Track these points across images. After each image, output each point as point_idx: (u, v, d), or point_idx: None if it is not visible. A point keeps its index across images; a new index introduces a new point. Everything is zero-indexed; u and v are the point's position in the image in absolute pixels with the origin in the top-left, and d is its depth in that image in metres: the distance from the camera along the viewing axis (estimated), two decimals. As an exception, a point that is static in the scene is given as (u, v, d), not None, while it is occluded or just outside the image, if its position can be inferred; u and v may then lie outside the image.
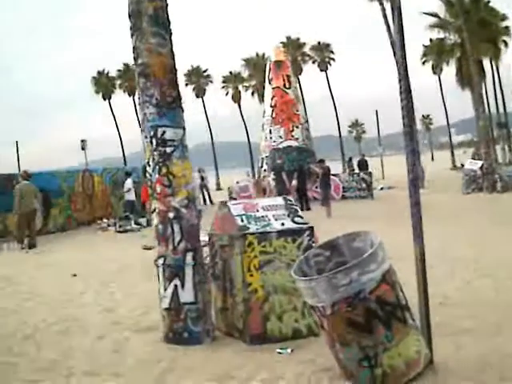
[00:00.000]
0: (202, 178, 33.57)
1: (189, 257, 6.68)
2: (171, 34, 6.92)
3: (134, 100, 76.72)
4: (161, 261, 6.76)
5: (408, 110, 5.61)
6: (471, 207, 22.17)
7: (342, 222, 18.77)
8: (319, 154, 32.06)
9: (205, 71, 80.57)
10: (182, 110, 6.93)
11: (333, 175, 28.90)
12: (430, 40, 59.68)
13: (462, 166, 40.52)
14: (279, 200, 7.28)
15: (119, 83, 77.59)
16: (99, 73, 77.10)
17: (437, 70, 63.48)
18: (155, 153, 6.73)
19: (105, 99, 76.80)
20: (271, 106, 30.29)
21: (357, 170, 36.88)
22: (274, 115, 30.06)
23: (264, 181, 28.01)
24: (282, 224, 6.86)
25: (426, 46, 61.11)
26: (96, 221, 23.95)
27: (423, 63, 63.80)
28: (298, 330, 6.71)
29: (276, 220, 6.90)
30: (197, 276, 6.72)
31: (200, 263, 6.81)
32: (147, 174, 6.92)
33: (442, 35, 50.90)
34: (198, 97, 79.46)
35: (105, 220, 23.25)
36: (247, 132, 74.82)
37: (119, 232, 20.93)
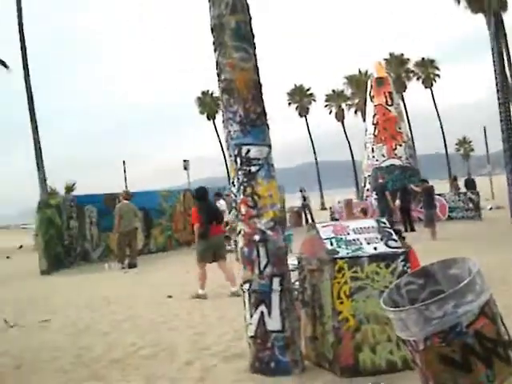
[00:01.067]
0: (304, 198, 33.31)
1: (275, 282, 6.34)
2: (255, 48, 6.65)
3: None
4: (246, 286, 6.45)
5: (507, 124, 5.08)
6: None
7: (447, 244, 18.09)
8: (425, 173, 31.17)
9: (308, 90, 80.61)
10: (268, 128, 6.63)
11: (438, 195, 28.00)
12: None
13: None
14: (372, 222, 6.84)
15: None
16: (203, 93, 78.39)
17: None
18: (239, 172, 6.46)
19: (209, 119, 77.96)
20: (373, 124, 29.73)
21: (463, 190, 35.54)
22: (376, 133, 29.48)
23: (356, 202, 27.38)
24: (375, 248, 6.43)
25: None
26: (196, 241, 24.01)
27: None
28: (393, 363, 6.22)
29: (368, 244, 6.48)
30: (284, 302, 6.36)
31: (287, 289, 6.45)
32: (232, 195, 6.65)
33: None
34: (301, 116, 79.55)
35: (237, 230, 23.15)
36: (351, 151, 74.12)
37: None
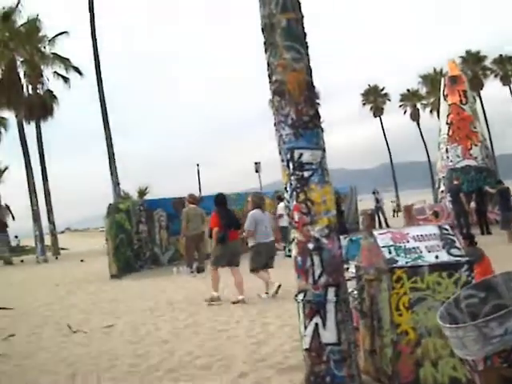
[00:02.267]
0: (377, 201, 32.82)
1: (331, 292, 6.02)
2: (307, 47, 6.36)
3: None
4: (300, 296, 6.16)
5: None
6: None
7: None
8: (505, 174, 30.16)
9: (382, 89, 79.64)
10: (322, 130, 6.34)
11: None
12: None
13: None
14: (433, 229, 6.45)
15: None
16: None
17: None
18: (292, 177, 6.17)
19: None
20: (447, 124, 28.84)
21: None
22: (450, 133, 28.57)
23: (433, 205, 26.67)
24: (436, 257, 6.05)
25: None
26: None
27: None
28: (457, 380, 5.83)
29: (429, 252, 6.11)
30: (340, 314, 6.03)
31: (343, 299, 6.12)
32: (285, 201, 6.39)
33: None
34: (375, 116, 78.71)
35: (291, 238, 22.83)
36: (427, 151, 72.75)
37: (288, 256, 20.56)
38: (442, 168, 28.85)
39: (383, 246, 6.11)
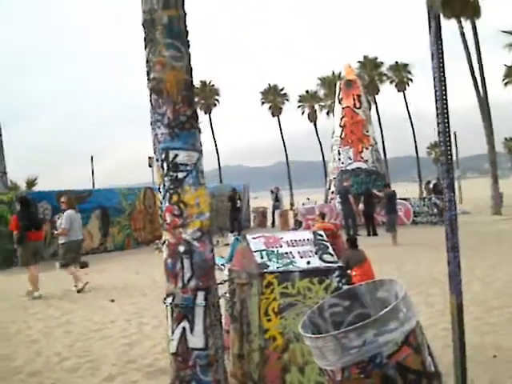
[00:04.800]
0: (277, 199, 32.97)
1: (200, 296, 5.89)
2: (189, 46, 6.19)
3: (210, 117, 77.38)
4: (169, 299, 6.00)
5: (445, 137, 4.73)
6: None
7: (405, 249, 17.93)
8: (397, 176, 31.10)
9: (281, 90, 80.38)
10: (199, 131, 6.19)
11: (403, 199, 27.85)
12: (514, 60, 57.36)
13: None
14: (307, 234, 6.44)
15: (196, 100, 78.13)
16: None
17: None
18: (166, 178, 5.99)
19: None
20: (340, 126, 29.42)
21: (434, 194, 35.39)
22: (343, 136, 29.17)
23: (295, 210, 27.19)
24: (308, 262, 6.04)
25: (508, 67, 58.67)
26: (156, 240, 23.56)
27: (505, 84, 61.37)
28: (322, 385, 5.85)
29: (301, 257, 6.08)
30: (208, 318, 5.91)
31: (213, 304, 6.00)
32: (158, 202, 6.22)
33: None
34: (273, 115, 79.35)
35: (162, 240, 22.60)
36: (322, 152, 73.99)
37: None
38: (334, 169, 29.40)
39: (255, 251, 6.04)
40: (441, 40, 4.81)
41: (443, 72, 4.86)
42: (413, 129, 73.61)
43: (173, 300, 5.96)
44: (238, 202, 28.43)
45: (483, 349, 7.18)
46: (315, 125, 78.38)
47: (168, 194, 5.99)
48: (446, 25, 38.10)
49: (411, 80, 74.65)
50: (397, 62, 74.69)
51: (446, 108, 4.90)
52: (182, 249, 5.92)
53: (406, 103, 73.49)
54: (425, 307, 9.60)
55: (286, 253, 6.09)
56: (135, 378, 6.67)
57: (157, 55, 6.04)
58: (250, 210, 32.95)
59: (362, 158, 28.69)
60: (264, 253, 6.02)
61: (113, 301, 11.66)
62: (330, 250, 6.25)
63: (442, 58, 4.82)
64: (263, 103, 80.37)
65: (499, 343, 7.40)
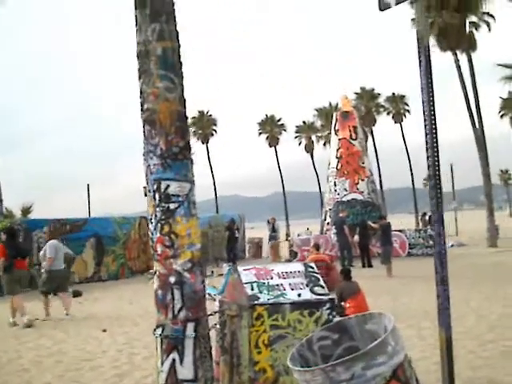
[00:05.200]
0: (274, 230, 32.92)
1: (190, 328, 5.87)
2: (183, 77, 6.24)
3: (207, 148, 77.59)
4: (159, 331, 5.98)
5: (434, 170, 4.75)
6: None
7: (400, 281, 17.88)
8: (394, 207, 31.23)
9: (279, 120, 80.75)
10: (192, 163, 6.22)
11: (398, 231, 27.84)
12: (509, 93, 57.75)
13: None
14: (298, 266, 6.45)
15: (193, 130, 78.51)
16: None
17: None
18: (157, 209, 6.00)
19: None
20: (337, 158, 29.61)
21: (430, 226, 35.38)
22: (339, 167, 29.34)
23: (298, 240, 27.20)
24: (299, 295, 6.03)
25: (504, 99, 59.09)
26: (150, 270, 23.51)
27: (501, 117, 61.79)
28: (312, 418, 5.80)
29: (292, 290, 6.08)
30: (198, 350, 5.89)
31: (203, 335, 5.98)
32: (149, 233, 6.22)
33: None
34: (270, 146, 79.61)
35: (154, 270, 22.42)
36: (319, 183, 74.13)
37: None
38: (330, 200, 29.49)
39: (246, 282, 6.03)
40: (431, 74, 4.86)
41: (433, 105, 4.91)
42: (409, 160, 73.74)
43: (163, 331, 5.94)
44: (236, 232, 28.44)
45: (476, 383, 7.14)
46: (312, 155, 78.67)
47: (159, 225, 6.00)
48: (442, 57, 38.45)
49: (408, 111, 74.92)
50: (393, 94, 75.11)
51: (436, 142, 4.94)
52: (172, 280, 5.92)
53: (403, 134, 73.73)
54: (417, 340, 9.57)
55: (277, 285, 6.08)
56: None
57: (150, 86, 6.09)
58: (246, 240, 32.88)
59: (357, 189, 28.82)
60: (255, 285, 6.01)
61: (105, 330, 11.60)
62: (321, 282, 6.25)
63: (432, 91, 4.86)
64: (260, 134, 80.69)
65: (492, 377, 7.36)
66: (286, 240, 51.26)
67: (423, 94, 4.88)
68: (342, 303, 12.23)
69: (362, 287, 14.56)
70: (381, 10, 5.11)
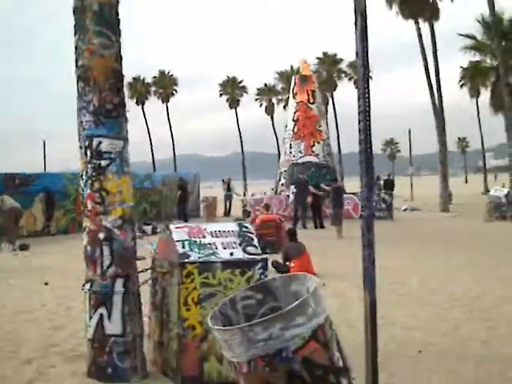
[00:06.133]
0: (229, 189, 32.89)
1: (118, 284, 5.89)
2: (119, 34, 6.14)
3: (167, 107, 77.01)
4: (87, 286, 5.98)
5: (366, 134, 4.75)
6: (487, 235, 20.94)
7: (348, 243, 18.06)
8: (351, 171, 31.42)
9: (240, 82, 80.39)
10: (126, 120, 6.15)
11: (352, 193, 28.07)
12: (470, 62, 58.03)
13: (488, 191, 39.14)
14: (232, 226, 6.44)
15: (154, 90, 77.94)
16: (134, 79, 77.16)
17: (473, 93, 61.45)
18: (89, 166, 5.96)
19: (138, 105, 77.00)
20: (293, 121, 29.63)
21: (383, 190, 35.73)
22: (295, 130, 29.37)
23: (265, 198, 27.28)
24: (231, 254, 6.04)
25: (464, 69, 59.37)
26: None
27: (461, 86, 62.16)
28: (239, 374, 5.85)
29: (224, 248, 6.08)
30: (127, 306, 5.92)
31: (132, 291, 6.01)
32: (80, 189, 6.17)
33: (478, 58, 49.55)
34: (231, 107, 79.41)
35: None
36: (278, 145, 74.28)
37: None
38: (285, 162, 29.55)
39: (177, 240, 6.01)
40: (366, 38, 4.81)
41: (367, 71, 4.88)
42: (369, 125, 74.11)
43: (91, 286, 5.95)
44: (188, 191, 28.32)
45: (410, 344, 7.28)
46: (272, 118, 78.73)
47: (90, 182, 5.99)
48: (404, 25, 38.50)
49: (370, 77, 74.96)
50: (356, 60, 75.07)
51: (369, 106, 4.93)
52: (101, 236, 5.93)
53: (369, 100, 73.87)
54: (358, 302, 9.70)
55: (209, 243, 6.08)
56: (54, 363, 6.60)
57: (86, 42, 6.01)
58: (200, 199, 32.85)
59: (313, 152, 28.90)
60: (186, 243, 6.00)
61: (46, 284, 11.58)
62: (255, 242, 6.26)
63: (367, 56, 4.82)
64: (221, 95, 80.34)
65: (426, 339, 7.50)
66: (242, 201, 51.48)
67: (358, 58, 4.84)
68: (287, 263, 12.36)
69: (311, 248, 14.72)
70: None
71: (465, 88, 61.96)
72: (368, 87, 4.95)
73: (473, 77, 55.33)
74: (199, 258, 5.89)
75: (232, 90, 79.17)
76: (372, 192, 4.95)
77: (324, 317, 4.33)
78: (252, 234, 6.41)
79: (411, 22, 36.99)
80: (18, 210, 18.71)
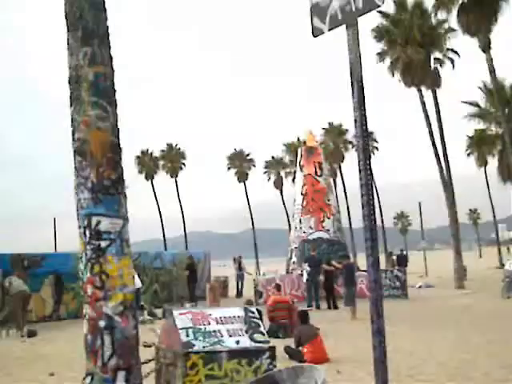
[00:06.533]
0: (240, 268, 32.30)
1: (120, 377, 5.44)
2: (116, 105, 5.87)
3: (176, 181, 76.99)
4: (88, 379, 5.55)
5: (369, 210, 4.41)
6: (506, 315, 20.12)
7: (364, 324, 17.42)
8: (362, 247, 30.90)
9: (248, 155, 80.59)
10: (125, 197, 5.83)
11: (365, 271, 27.45)
12: (475, 131, 57.82)
13: (503, 265, 38.20)
14: (238, 311, 6.05)
15: (162, 164, 77.96)
16: (142, 152, 77.40)
17: (480, 161, 61.07)
18: (88, 247, 5.59)
19: (147, 180, 76.94)
20: (302, 194, 29.17)
21: (396, 266, 35.04)
22: (304, 204, 28.91)
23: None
24: (237, 342, 5.63)
25: (469, 137, 59.19)
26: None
27: (468, 155, 61.93)
28: None
29: (230, 336, 5.69)
30: (129, 401, 5.47)
31: (134, 385, 5.56)
32: (79, 273, 5.80)
33: (483, 126, 49.49)
34: (240, 181, 79.32)
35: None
36: (288, 219, 73.81)
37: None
38: (295, 238, 28.97)
39: (181, 328, 5.63)
40: (364, 105, 4.55)
41: (367, 140, 4.60)
42: (378, 199, 73.67)
43: (92, 380, 5.52)
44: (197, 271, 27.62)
45: None
46: (281, 191, 78.53)
47: (90, 264, 5.61)
48: (408, 94, 38.62)
49: (376, 148, 75.04)
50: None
51: (371, 178, 4.63)
52: (102, 324, 5.52)
53: (371, 172, 73.68)
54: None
55: (214, 331, 5.70)
56: None
57: (81, 114, 5.72)
58: (211, 279, 32.20)
59: (323, 227, 28.32)
60: (190, 330, 5.62)
61: (52, 374, 11.03)
62: (262, 328, 5.86)
63: (366, 125, 4.56)
64: (229, 168, 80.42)
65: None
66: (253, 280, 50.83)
67: (356, 127, 4.57)
68: (300, 348, 11.88)
69: (325, 330, 14.19)
70: (314, 36, 4.83)
71: (472, 157, 61.74)
72: (369, 158, 4.67)
73: (479, 145, 55.19)
74: (204, 347, 5.49)
75: (240, 163, 79.27)
76: (379, 272, 4.57)
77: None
78: (258, 319, 6.02)
79: (414, 90, 37.16)
80: (25, 293, 18.28)
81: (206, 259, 31.75)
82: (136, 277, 22.15)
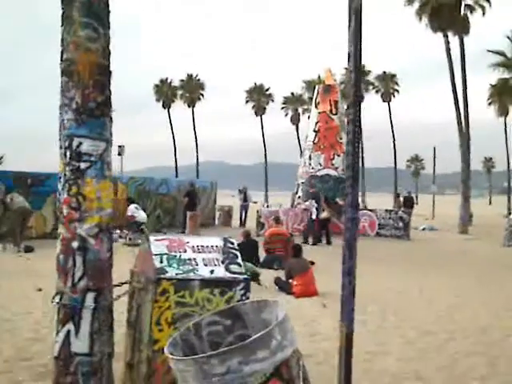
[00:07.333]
0: (245, 199, 32.41)
1: (89, 298, 5.43)
2: (109, 27, 5.71)
3: (193, 111, 76.85)
4: (57, 298, 5.55)
5: (354, 147, 4.31)
6: (504, 262, 20.04)
7: (359, 262, 17.49)
8: (378, 186, 30.83)
9: (267, 90, 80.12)
10: (111, 120, 5.73)
11: (370, 210, 27.61)
12: (498, 80, 56.91)
13: (510, 214, 38.16)
14: (216, 241, 5.99)
15: (180, 93, 77.78)
16: (161, 81, 77.14)
17: (500, 111, 60.38)
18: (67, 168, 5.52)
19: (164, 108, 76.89)
20: (314, 131, 29.00)
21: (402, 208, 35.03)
22: (316, 141, 28.77)
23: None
24: (212, 271, 5.60)
25: (492, 86, 58.28)
26: (116, 229, 22.84)
27: (489, 104, 61.22)
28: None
29: (205, 265, 5.64)
30: (96, 322, 5.47)
31: (103, 307, 5.56)
32: (57, 193, 5.75)
33: (507, 75, 48.55)
34: (257, 115, 79.09)
35: (117, 231, 21.59)
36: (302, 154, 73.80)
37: (127, 245, 19.63)
38: (303, 174, 28.94)
39: (156, 254, 5.60)
40: (360, 40, 4.39)
41: (359, 75, 4.46)
42: (394, 140, 73.37)
43: (61, 299, 5.52)
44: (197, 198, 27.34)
45: (403, 377, 6.83)
46: (297, 128, 78.23)
47: (67, 185, 5.54)
48: (432, 38, 37.94)
49: (397, 91, 74.38)
50: (384, 72, 74.48)
51: (359, 116, 4.50)
52: (75, 245, 5.49)
53: (390, 114, 73.31)
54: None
55: (189, 259, 5.65)
56: (21, 378, 6.22)
57: (72, 34, 5.57)
58: (216, 207, 32.39)
59: (332, 164, 28.26)
60: (165, 257, 5.58)
61: (40, 290, 11.13)
62: (239, 259, 5.82)
63: (360, 59, 4.41)
64: (247, 102, 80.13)
65: (420, 373, 7.04)
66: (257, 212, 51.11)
67: (350, 62, 4.42)
68: (290, 280, 11.95)
69: (320, 265, 14.26)
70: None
71: (493, 106, 61.01)
72: (360, 94, 4.54)
73: (500, 94, 54.40)
74: (176, 274, 5.47)
75: (258, 97, 78.93)
76: (356, 212, 4.49)
77: (291, 351, 3.90)
78: (237, 250, 5.98)
79: (439, 35, 36.49)
80: (25, 209, 18.42)
81: (212, 188, 31.80)
82: (141, 211, 22.32)
